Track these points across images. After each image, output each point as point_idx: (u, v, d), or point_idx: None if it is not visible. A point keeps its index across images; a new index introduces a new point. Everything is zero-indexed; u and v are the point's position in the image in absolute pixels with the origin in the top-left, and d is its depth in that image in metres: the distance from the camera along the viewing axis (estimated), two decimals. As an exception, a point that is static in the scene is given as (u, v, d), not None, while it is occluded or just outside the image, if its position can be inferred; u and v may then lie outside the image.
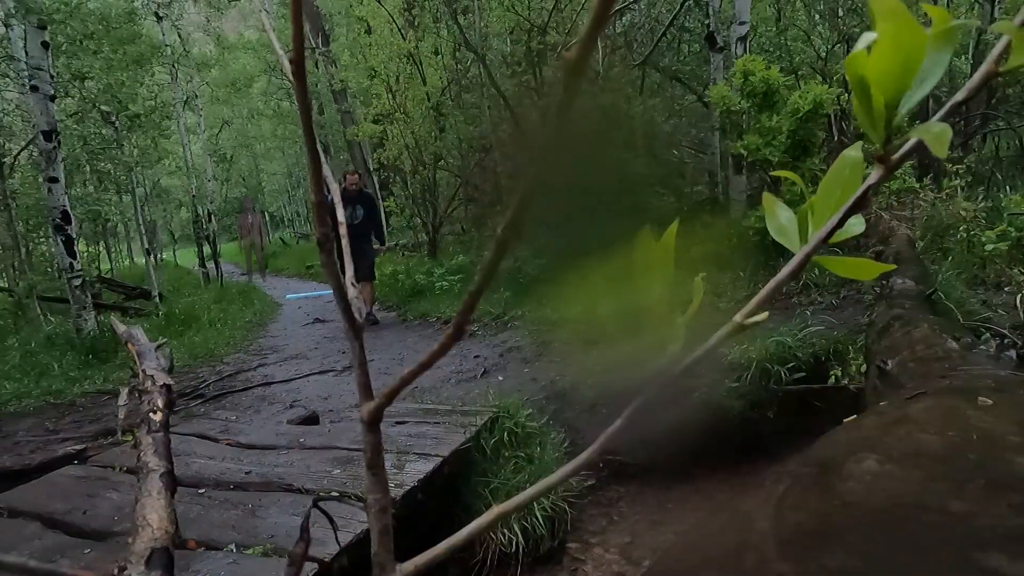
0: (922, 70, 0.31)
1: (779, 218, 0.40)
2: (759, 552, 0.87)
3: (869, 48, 0.31)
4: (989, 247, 3.09)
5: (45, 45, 5.14)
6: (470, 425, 2.43)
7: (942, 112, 0.33)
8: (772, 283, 0.35)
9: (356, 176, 6.13)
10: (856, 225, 0.35)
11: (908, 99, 0.32)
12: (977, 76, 0.32)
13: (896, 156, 0.33)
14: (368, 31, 9.19)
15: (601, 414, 2.95)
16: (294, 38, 0.33)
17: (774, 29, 8.05)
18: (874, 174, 0.34)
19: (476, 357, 4.06)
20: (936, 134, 0.29)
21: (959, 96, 0.33)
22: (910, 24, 0.29)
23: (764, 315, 0.34)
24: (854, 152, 0.37)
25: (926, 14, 0.35)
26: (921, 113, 4.23)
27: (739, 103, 4.63)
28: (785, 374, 2.90)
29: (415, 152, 8.43)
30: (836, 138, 6.14)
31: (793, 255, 0.37)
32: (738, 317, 0.34)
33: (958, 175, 4.40)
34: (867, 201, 0.34)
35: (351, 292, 0.50)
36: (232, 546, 1.57)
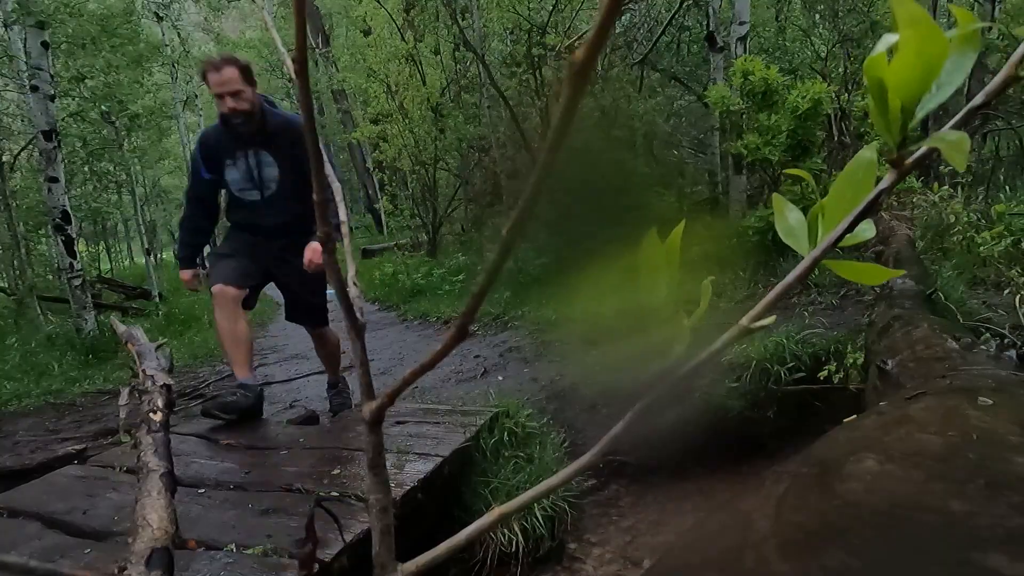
0: (944, 74, 0.30)
1: (788, 219, 0.39)
2: (759, 552, 0.87)
3: (890, 51, 0.30)
4: (983, 248, 3.09)
5: (45, 45, 5.14)
6: (470, 425, 2.43)
7: (958, 117, 0.32)
8: (780, 286, 0.34)
9: (221, 66, 2.39)
10: (867, 230, 0.34)
11: (926, 103, 0.31)
12: (997, 80, 0.32)
13: (910, 161, 0.33)
14: (367, 32, 9.20)
15: (601, 414, 2.95)
16: (297, 37, 0.33)
17: (773, 29, 8.05)
18: (887, 178, 0.33)
19: (476, 357, 4.06)
20: (953, 143, 0.29)
21: (977, 100, 0.32)
22: (933, 31, 0.29)
23: (771, 319, 0.34)
24: (869, 153, 0.36)
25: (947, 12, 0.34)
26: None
27: (738, 103, 4.64)
28: (785, 374, 2.90)
29: (414, 152, 8.43)
30: (836, 138, 6.14)
31: (794, 255, 0.37)
32: (744, 320, 0.34)
33: (949, 179, 4.40)
34: (879, 205, 0.34)
35: (353, 291, 0.50)
36: (232, 546, 1.57)
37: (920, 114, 0.31)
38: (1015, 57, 0.31)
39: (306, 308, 2.90)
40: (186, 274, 2.77)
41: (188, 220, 2.79)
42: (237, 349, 2.65)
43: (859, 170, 0.35)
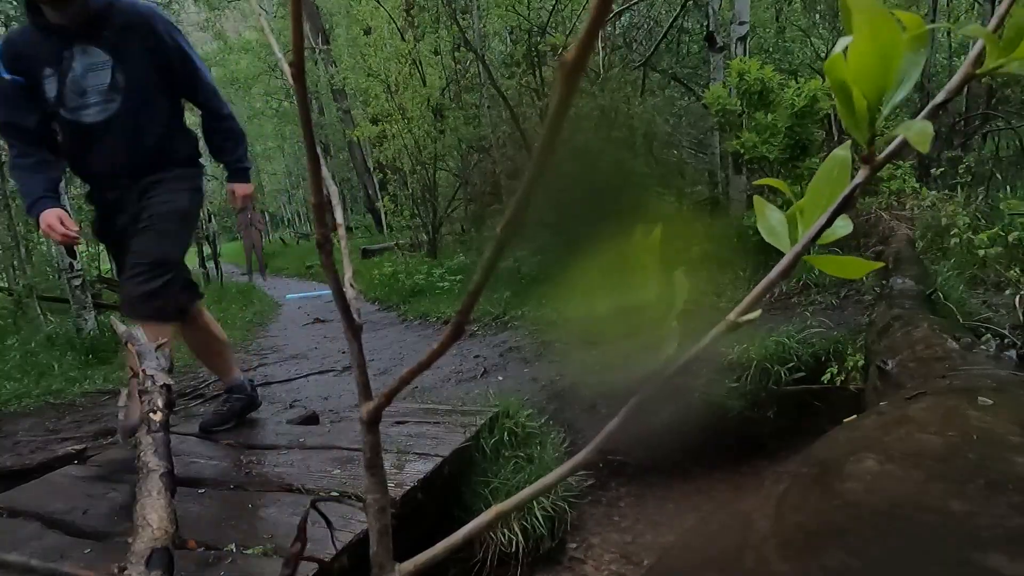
0: (901, 69, 0.31)
1: (770, 219, 0.40)
2: (759, 552, 0.87)
3: (846, 52, 0.31)
4: (981, 251, 3.10)
5: (45, 45, 5.13)
6: (470, 425, 2.43)
7: (924, 112, 0.33)
8: (764, 283, 0.35)
9: None
10: (843, 227, 0.36)
11: (890, 98, 0.32)
12: (956, 78, 0.33)
13: (881, 156, 0.34)
14: (367, 32, 9.20)
15: (600, 414, 2.95)
16: (294, 42, 0.33)
17: (773, 29, 8.06)
18: (860, 174, 0.35)
19: (476, 357, 4.06)
20: (918, 131, 0.30)
21: (939, 98, 0.34)
22: (884, 17, 0.30)
23: (757, 313, 0.34)
24: (842, 152, 0.37)
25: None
26: (916, 116, 4.23)
27: (735, 103, 4.64)
28: (785, 374, 2.90)
29: (414, 152, 8.44)
30: (836, 138, 6.15)
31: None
32: (731, 315, 0.35)
33: (941, 177, 4.44)
34: (854, 201, 0.35)
35: (350, 293, 0.50)
36: (232, 546, 1.57)
37: (886, 109, 0.32)
38: (971, 56, 0.32)
39: (142, 281, 1.94)
40: (49, 216, 1.84)
41: (17, 158, 1.92)
42: (214, 359, 2.49)
43: (834, 168, 0.37)
